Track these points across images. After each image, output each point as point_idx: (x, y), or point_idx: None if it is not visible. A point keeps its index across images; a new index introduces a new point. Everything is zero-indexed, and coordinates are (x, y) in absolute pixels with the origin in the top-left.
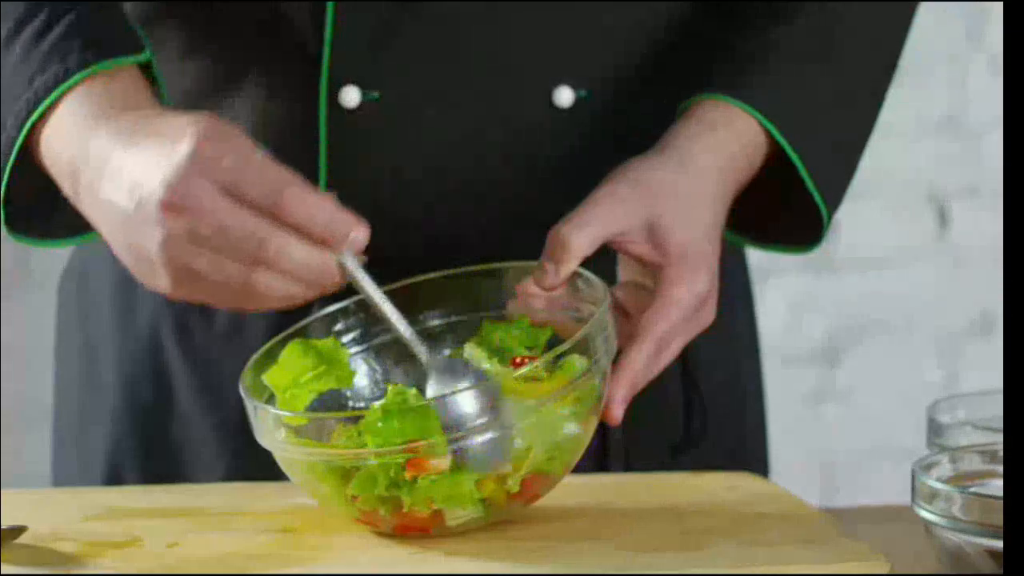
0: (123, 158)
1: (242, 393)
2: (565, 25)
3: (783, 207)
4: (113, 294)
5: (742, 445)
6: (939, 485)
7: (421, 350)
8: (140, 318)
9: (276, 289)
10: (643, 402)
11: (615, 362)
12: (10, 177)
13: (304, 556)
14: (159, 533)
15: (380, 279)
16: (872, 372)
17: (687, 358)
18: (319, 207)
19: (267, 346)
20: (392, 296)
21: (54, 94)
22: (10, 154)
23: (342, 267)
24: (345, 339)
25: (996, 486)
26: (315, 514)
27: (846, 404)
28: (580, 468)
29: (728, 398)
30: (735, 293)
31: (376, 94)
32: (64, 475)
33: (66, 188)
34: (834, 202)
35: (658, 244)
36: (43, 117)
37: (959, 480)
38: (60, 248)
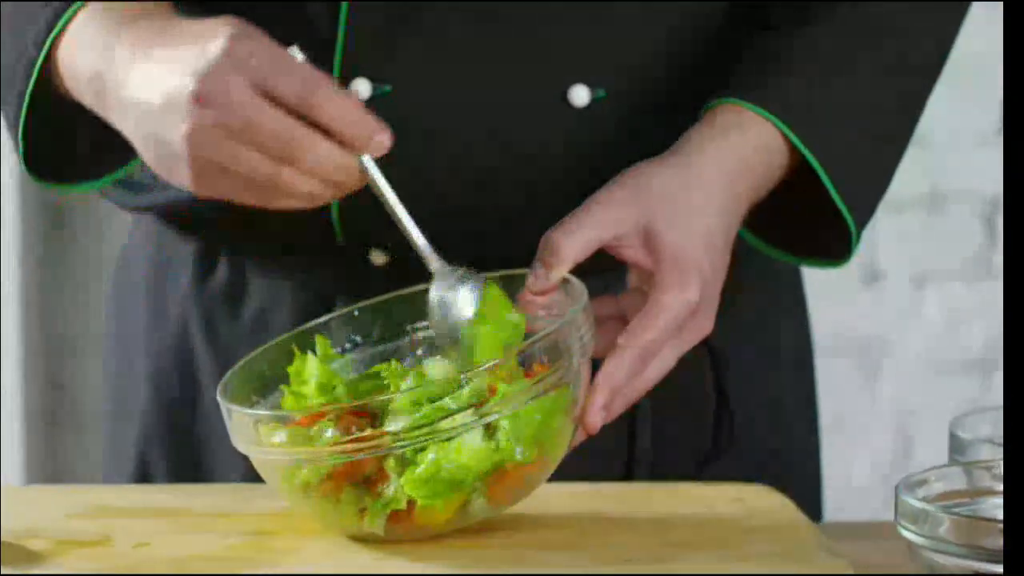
0: (150, 56)
1: (219, 398)
2: (581, 23)
3: (815, 219)
4: (146, 288)
5: (782, 458)
6: (921, 504)
7: (435, 260)
8: (170, 312)
9: (299, 186)
10: (673, 411)
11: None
12: (28, 111)
13: (267, 559)
14: (132, 533)
15: (392, 273)
16: None
17: (719, 368)
18: (347, 108)
19: (251, 355)
20: (384, 307)
21: (72, 8)
22: (30, 75)
23: (363, 170)
24: (348, 344)
25: (993, 504)
26: (294, 518)
27: None
28: (605, 476)
29: (766, 411)
30: (783, 304)
31: (388, 87)
32: (108, 470)
33: (88, 99)
34: (862, 213)
35: (651, 249)
36: (58, 39)
37: (947, 498)
38: (79, 192)
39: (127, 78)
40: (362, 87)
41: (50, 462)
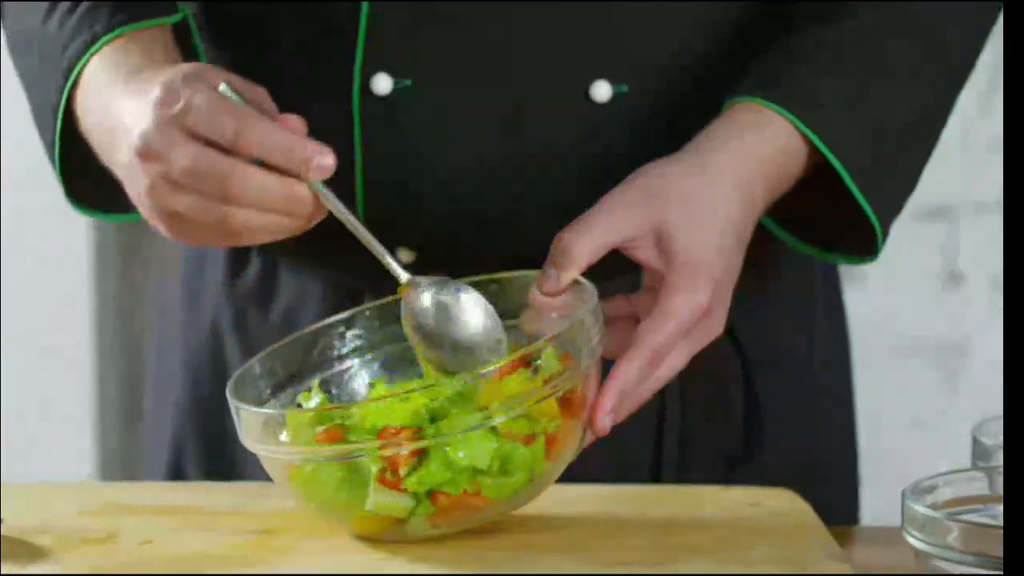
0: (122, 117)
1: (228, 396)
2: (604, 19)
3: (843, 217)
4: (181, 288)
5: (816, 463)
6: (926, 511)
7: (399, 272)
8: (203, 311)
9: (252, 221)
10: (702, 415)
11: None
12: (64, 150)
13: (268, 559)
14: (140, 530)
15: (419, 270)
16: None
17: (749, 371)
18: (280, 137)
19: (262, 353)
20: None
21: (83, 59)
22: (55, 120)
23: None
24: (353, 345)
25: (998, 512)
26: (301, 517)
27: None
28: (631, 480)
29: (799, 415)
30: (819, 308)
31: (409, 81)
32: (148, 465)
33: (103, 157)
34: (887, 211)
35: (663, 251)
36: (77, 84)
37: (957, 504)
38: (118, 221)
39: (112, 141)
40: (384, 82)
41: (125, 461)
